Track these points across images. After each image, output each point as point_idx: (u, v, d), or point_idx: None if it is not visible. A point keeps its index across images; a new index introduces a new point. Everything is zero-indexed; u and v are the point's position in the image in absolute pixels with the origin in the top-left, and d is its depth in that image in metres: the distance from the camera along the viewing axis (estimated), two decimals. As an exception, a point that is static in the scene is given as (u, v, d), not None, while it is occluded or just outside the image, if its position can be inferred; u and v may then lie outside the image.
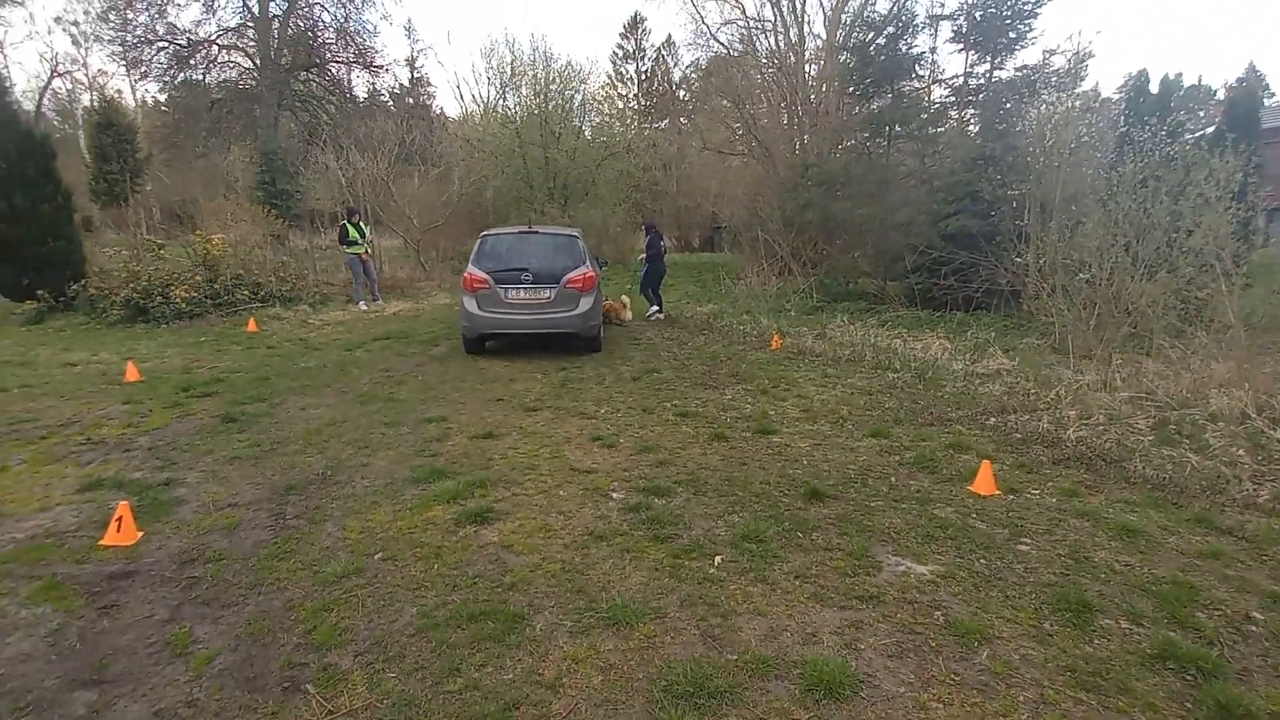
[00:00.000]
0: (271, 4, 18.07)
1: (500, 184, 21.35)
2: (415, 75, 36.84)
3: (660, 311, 11.05)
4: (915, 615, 2.57)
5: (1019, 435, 4.86)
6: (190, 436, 4.73)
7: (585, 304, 7.84)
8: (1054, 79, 11.01)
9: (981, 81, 12.03)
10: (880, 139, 12.46)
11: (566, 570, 2.89)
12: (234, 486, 3.84)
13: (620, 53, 56.97)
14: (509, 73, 25.21)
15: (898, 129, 12.20)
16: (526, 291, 7.72)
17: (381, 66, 20.13)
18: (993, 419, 5.22)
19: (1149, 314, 6.64)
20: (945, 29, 12.24)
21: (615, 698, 2.10)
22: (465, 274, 7.88)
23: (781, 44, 23.54)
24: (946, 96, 13.44)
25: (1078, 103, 9.49)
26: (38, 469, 4.03)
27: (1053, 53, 10.85)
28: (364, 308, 11.65)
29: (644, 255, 11.17)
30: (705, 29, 24.57)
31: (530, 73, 24.89)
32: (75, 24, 27.85)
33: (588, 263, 8.09)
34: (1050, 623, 2.53)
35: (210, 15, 17.24)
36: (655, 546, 3.12)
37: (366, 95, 20.70)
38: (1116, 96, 21.43)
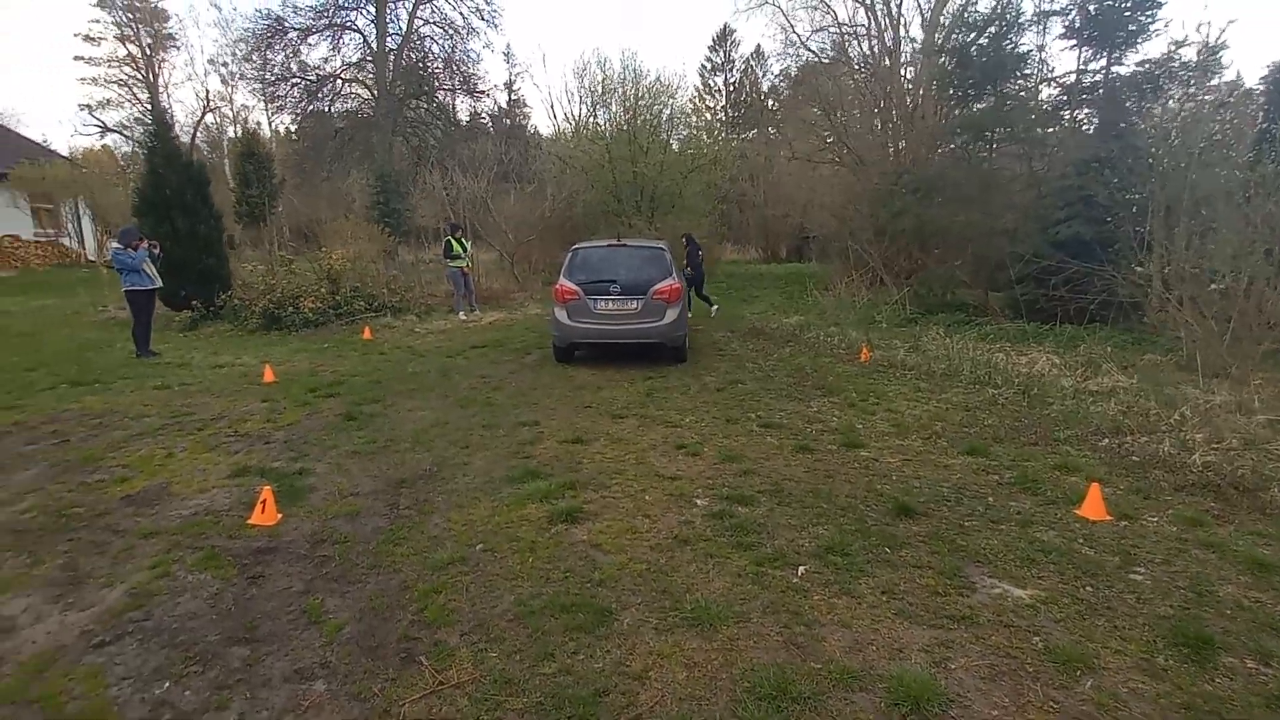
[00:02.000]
0: (388, 39, 19.73)
1: (589, 198, 22.00)
2: (512, 98, 38.72)
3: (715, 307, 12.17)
4: (1011, 639, 2.49)
5: (1135, 458, 4.52)
6: (318, 432, 5.27)
7: (671, 314, 8.00)
8: (1181, 74, 10.09)
9: (1097, 79, 11.21)
10: (982, 142, 11.85)
11: (652, 570, 3.02)
12: (354, 478, 4.26)
13: (709, 65, 57.22)
14: (600, 90, 26.03)
15: (1001, 132, 11.56)
16: (615, 302, 7.98)
17: (483, 92, 21.48)
18: (1105, 440, 4.88)
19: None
20: (1055, 25, 11.52)
21: (699, 694, 2.19)
22: (556, 285, 8.25)
23: (875, 49, 22.93)
24: (1057, 96, 12.59)
25: (1209, 97, 8.66)
26: (196, 456, 4.64)
27: (1180, 44, 9.94)
28: (463, 318, 12.38)
29: (686, 265, 12.21)
30: (795, 37, 24.30)
31: (619, 89, 25.57)
32: (225, 65, 31.56)
33: (674, 274, 8.25)
34: (1164, 657, 2.38)
35: (336, 53, 19.12)
36: (738, 553, 3.19)
37: (469, 119, 22.19)
38: (1259, 88, 19.18)
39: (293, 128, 30.32)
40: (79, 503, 3.76)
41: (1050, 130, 11.49)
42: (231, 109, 29.80)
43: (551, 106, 35.05)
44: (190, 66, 52.95)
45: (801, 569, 3.01)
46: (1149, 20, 10.64)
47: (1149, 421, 5.11)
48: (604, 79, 25.58)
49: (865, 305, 12.41)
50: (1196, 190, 7.82)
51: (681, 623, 2.58)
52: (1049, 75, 13.00)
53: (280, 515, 3.60)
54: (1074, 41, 11.48)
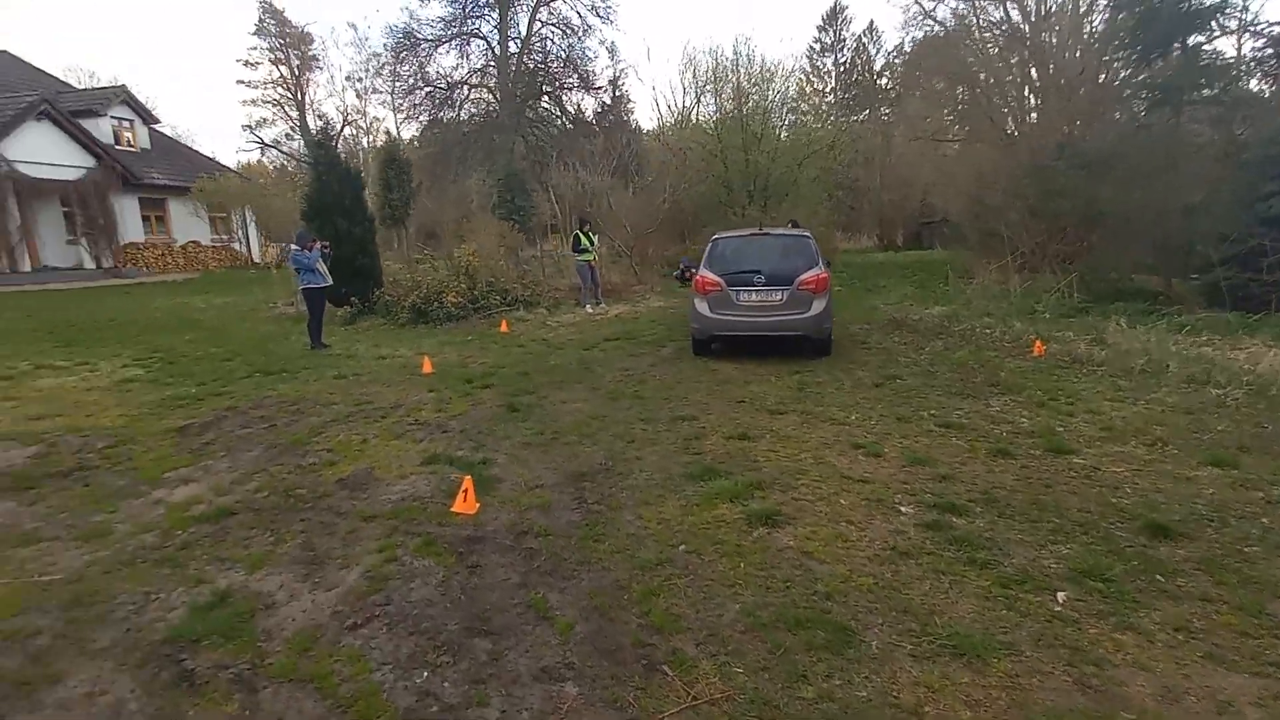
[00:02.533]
0: (510, 44, 20.50)
1: (702, 189, 21.72)
2: (616, 94, 39.07)
3: None
4: (1370, 700, 2.02)
5: None
6: (487, 422, 5.44)
7: (818, 306, 7.61)
8: None
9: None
10: (1164, 108, 10.37)
11: (880, 586, 2.77)
12: (534, 470, 4.31)
13: (817, 46, 54.87)
14: (710, 78, 25.67)
15: (1190, 94, 10.06)
16: (759, 293, 7.70)
17: (600, 87, 21.76)
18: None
19: None
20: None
21: (989, 736, 1.94)
22: (697, 276, 8.09)
23: (1014, 13, 20.78)
24: (1261, 49, 10.79)
25: None
26: (387, 443, 4.91)
27: None
28: (590, 311, 12.56)
29: None
30: (919, 6, 22.61)
31: (732, 77, 25.07)
32: (359, 80, 34.22)
33: (820, 263, 7.84)
34: None
35: (465, 60, 20.13)
36: (974, 572, 2.87)
37: (584, 115, 22.69)
38: None
39: (418, 135, 32.59)
40: (300, 484, 4.05)
41: (1258, 91, 9.85)
42: (365, 121, 32.53)
43: (655, 101, 35.04)
44: (331, 84, 58.06)
45: (1062, 595, 2.64)
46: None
47: None
48: (716, 66, 25.12)
49: (1020, 294, 11.32)
50: None
51: (940, 650, 2.32)
52: (1253, 25, 11.16)
53: (479, 504, 3.68)
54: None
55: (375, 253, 12.26)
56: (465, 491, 3.64)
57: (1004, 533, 3.23)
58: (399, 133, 33.59)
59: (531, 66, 20.30)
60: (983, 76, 16.28)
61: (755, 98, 24.37)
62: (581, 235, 12.36)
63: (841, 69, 54.35)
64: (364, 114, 37.83)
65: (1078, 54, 16.13)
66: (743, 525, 3.39)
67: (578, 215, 12.92)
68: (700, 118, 24.99)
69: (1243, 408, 5.20)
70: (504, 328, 10.86)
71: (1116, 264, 10.43)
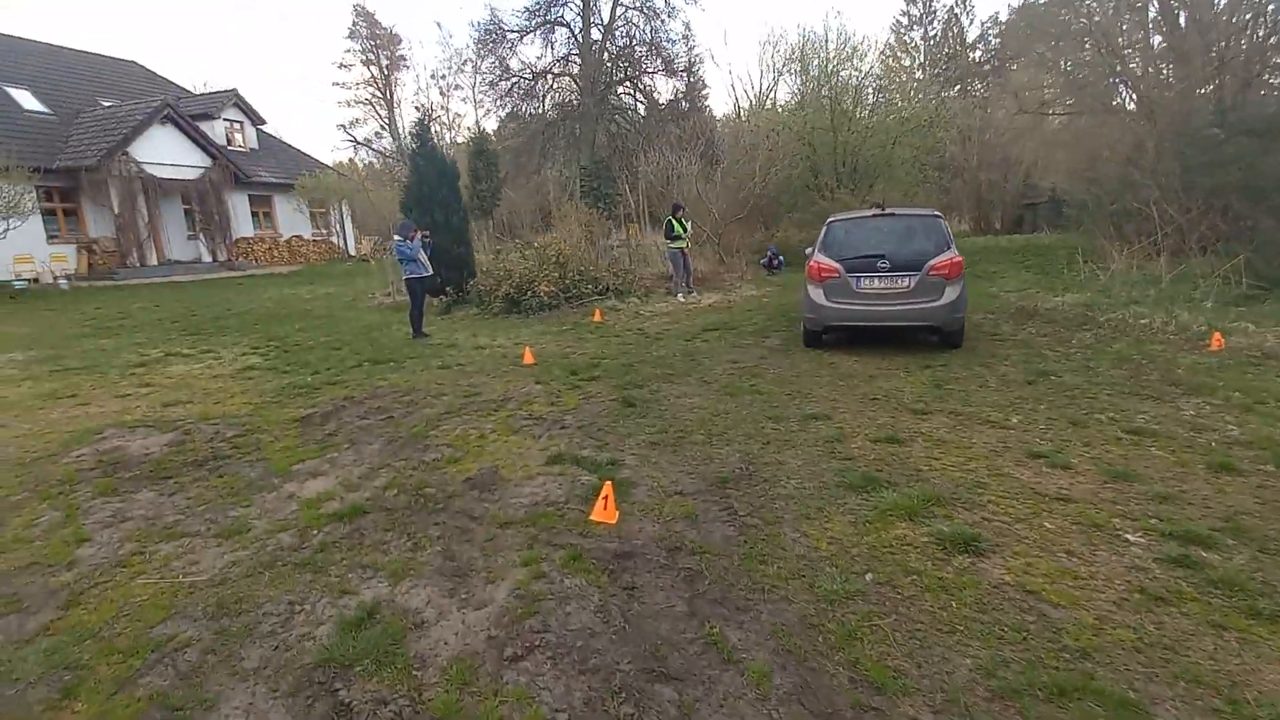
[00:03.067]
0: (593, 30, 20.24)
1: (787, 174, 20.82)
2: (691, 80, 38.23)
3: None
4: None
5: None
6: (604, 418, 5.13)
7: (951, 293, 6.88)
8: None
9: None
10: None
11: (1147, 642, 2.22)
12: (669, 474, 3.95)
13: (905, 19, 51.81)
14: (797, 55, 24.54)
15: None
16: (882, 280, 7.04)
17: (683, 71, 21.11)
18: None
19: None
20: None
21: None
22: (811, 263, 7.50)
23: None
24: None
25: None
26: (505, 439, 4.68)
27: None
28: (682, 300, 12.14)
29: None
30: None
31: (818, 54, 23.86)
32: (443, 77, 35.03)
33: (953, 246, 7.07)
34: None
35: (550, 49, 19.98)
36: (1263, 628, 2.25)
37: (665, 100, 22.23)
38: None
39: (498, 128, 33.05)
40: (427, 482, 3.86)
41: None
42: (448, 115, 33.29)
43: (733, 85, 33.82)
44: (417, 82, 60.06)
45: None
46: None
47: None
48: (803, 43, 24.04)
49: (1170, 280, 9.98)
50: None
51: (1278, 746, 1.76)
52: None
53: (618, 513, 3.35)
54: None
55: (470, 243, 12.30)
56: (605, 499, 3.31)
57: (1276, 573, 2.57)
58: (479, 127, 34.35)
59: (615, 52, 19.95)
60: (1107, 37, 14.52)
61: (843, 74, 23.15)
62: (675, 222, 11.92)
63: (931, 42, 51.13)
64: (446, 109, 38.86)
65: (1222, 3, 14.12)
66: (935, 551, 2.88)
67: (671, 202, 12.49)
68: (781, 99, 24.00)
69: None
70: (598, 317, 10.61)
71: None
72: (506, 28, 21.76)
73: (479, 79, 26.32)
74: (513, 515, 3.38)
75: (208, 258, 22.43)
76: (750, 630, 2.39)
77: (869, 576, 2.72)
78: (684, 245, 12.09)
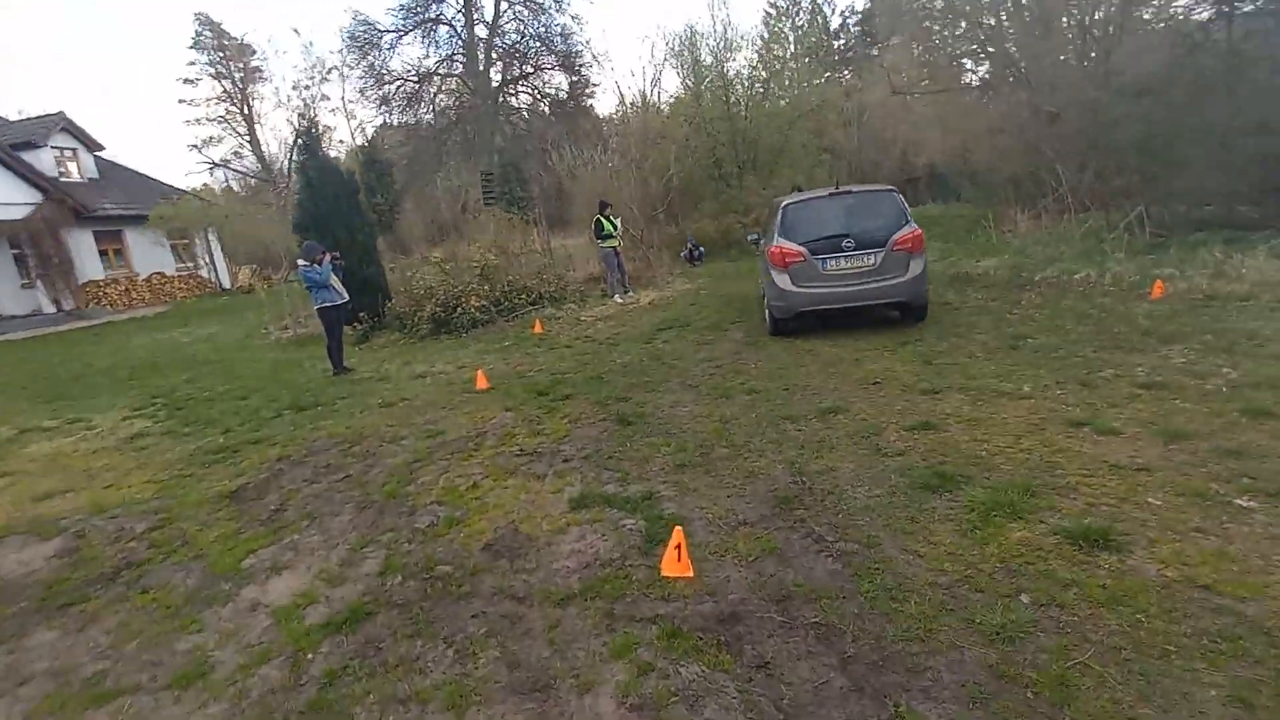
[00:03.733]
0: (479, 27, 19.14)
1: (695, 163, 20.82)
2: (584, 74, 37.67)
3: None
4: None
5: None
6: (606, 442, 4.51)
7: (916, 267, 6.81)
8: None
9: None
10: (1217, 23, 9.71)
11: (1374, 630, 1.95)
12: (716, 500, 3.42)
13: (774, 11, 53.92)
14: (686, 45, 24.76)
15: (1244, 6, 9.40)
16: (848, 260, 6.86)
17: (585, 65, 20.44)
18: None
19: None
20: None
21: None
22: (772, 248, 7.20)
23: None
24: None
25: None
26: (503, 483, 3.96)
27: None
28: (620, 301, 11.60)
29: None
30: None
31: (707, 44, 24.15)
32: (306, 88, 32.19)
33: (911, 220, 7.01)
34: None
35: (433, 49, 18.53)
36: None
37: (565, 97, 21.37)
38: None
39: (375, 135, 30.87)
40: (436, 558, 3.10)
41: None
42: (316, 129, 30.54)
43: (616, 83, 33.43)
44: (277, 95, 55.15)
45: None
46: None
47: None
48: (691, 34, 24.26)
49: (1080, 236, 10.66)
50: None
51: None
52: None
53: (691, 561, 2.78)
54: None
55: (380, 262, 11.12)
56: (678, 549, 2.73)
57: None
58: (354, 138, 31.83)
59: (505, 49, 18.98)
60: (988, 14, 15.48)
61: (732, 63, 23.66)
62: (604, 220, 11.34)
63: (800, 32, 53.55)
64: (314, 123, 35.74)
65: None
66: (1072, 553, 2.55)
67: (599, 199, 11.90)
68: (670, 91, 24.16)
69: None
70: (538, 328, 9.87)
71: (1186, 193, 9.77)
72: (381, 28, 20.14)
73: (357, 84, 24.43)
74: (567, 587, 2.73)
75: (49, 308, 19.25)
76: (939, 698, 1.92)
77: (1025, 598, 2.33)
78: (616, 244, 11.55)
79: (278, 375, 8.64)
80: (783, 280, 7.10)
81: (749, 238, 10.26)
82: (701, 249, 18.28)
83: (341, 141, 34.05)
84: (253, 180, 33.87)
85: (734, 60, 26.08)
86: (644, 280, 14.06)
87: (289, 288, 10.92)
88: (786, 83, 24.67)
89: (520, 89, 18.84)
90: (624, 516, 3.29)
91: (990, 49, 17.38)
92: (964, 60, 20.36)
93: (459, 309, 10.16)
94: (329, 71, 26.63)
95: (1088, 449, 3.53)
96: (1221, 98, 9.57)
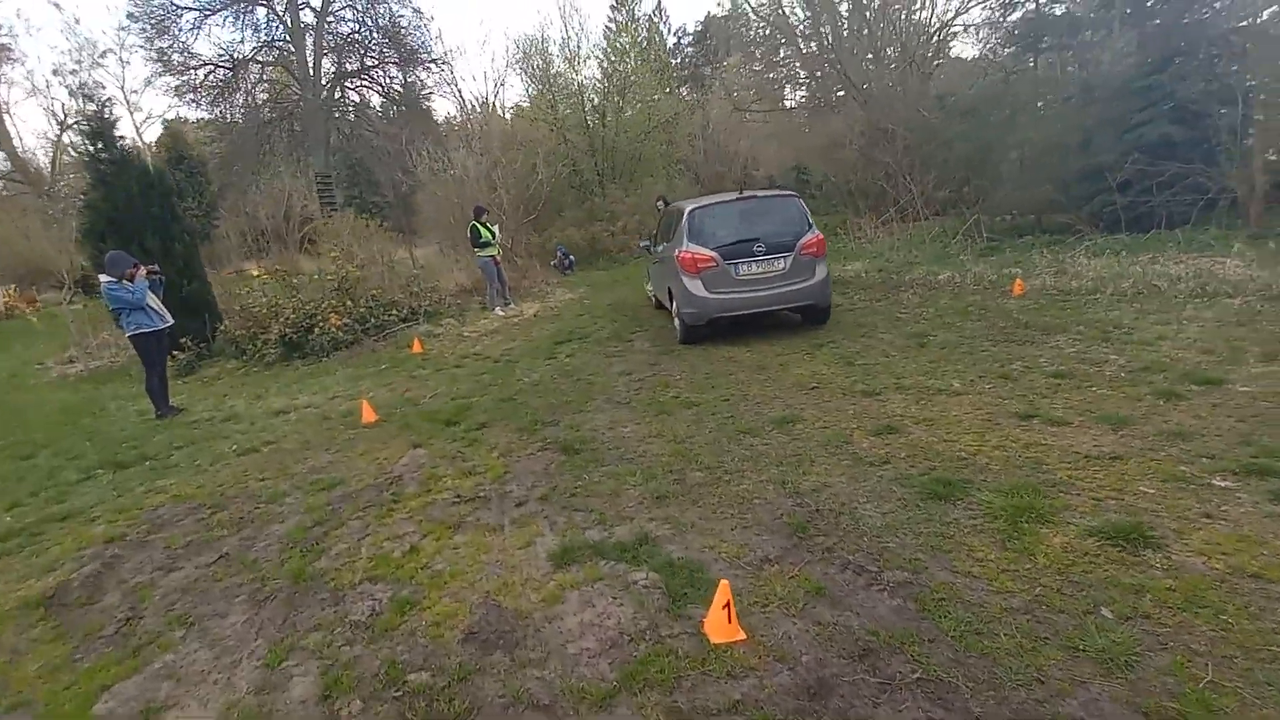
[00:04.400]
0: (303, 12, 16.86)
1: (558, 171, 20.41)
2: (409, 79, 35.43)
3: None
4: None
5: None
6: (559, 477, 3.90)
7: (821, 271, 6.96)
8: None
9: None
10: (1029, 54, 11.30)
11: None
12: (722, 535, 3.01)
13: (614, 26, 55.11)
14: (537, 49, 24.44)
15: (1049, 41, 11.02)
16: (760, 264, 6.82)
17: (433, 61, 18.73)
18: None
19: None
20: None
21: None
22: (682, 254, 6.98)
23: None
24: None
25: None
26: (446, 541, 3.21)
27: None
28: (501, 313, 10.77)
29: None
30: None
31: (565, 50, 24.02)
32: (74, 72, 26.52)
33: (813, 225, 7.17)
34: None
35: (250, 33, 15.83)
36: None
37: (416, 94, 19.44)
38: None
39: (164, 131, 26.17)
40: (399, 662, 2.33)
41: (1098, 35, 11.01)
42: (107, 114, 25.31)
43: (458, 91, 31.87)
44: (30, 80, 45.23)
45: None
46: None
47: None
48: (543, 40, 24.04)
49: (929, 239, 11.78)
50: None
51: None
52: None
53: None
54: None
55: (204, 275, 9.26)
56: (727, 608, 2.27)
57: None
58: (140, 134, 26.74)
59: (340, 39, 16.81)
60: (829, 37, 16.81)
61: (585, 72, 23.78)
62: (480, 227, 10.44)
63: (639, 48, 55.26)
64: (104, 105, 29.64)
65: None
66: (1117, 554, 2.49)
67: (475, 205, 10.92)
68: (519, 97, 23.71)
69: (1277, 312, 5.45)
70: (418, 348, 8.79)
71: (1010, 202, 11.18)
72: (180, 5, 16.78)
73: (145, 71, 20.46)
74: (600, 678, 2.14)
75: None
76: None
77: (1106, 611, 2.20)
78: (495, 253, 10.70)
79: (74, 422, 6.76)
80: (695, 286, 6.89)
81: (641, 244, 10.02)
82: (572, 258, 17.84)
83: (123, 137, 28.49)
84: (12, 179, 27.38)
85: (586, 69, 26.15)
86: (521, 291, 13.30)
87: (78, 311, 8.66)
88: (637, 96, 25.11)
89: (360, 83, 16.92)
90: (627, 569, 2.76)
91: (817, 73, 18.98)
92: (789, 82, 22.10)
93: (316, 329, 8.74)
94: (102, 55, 22.18)
95: (1052, 441, 3.63)
96: (1030, 119, 11.11)
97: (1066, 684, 1.93)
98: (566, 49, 23.36)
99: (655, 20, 56.97)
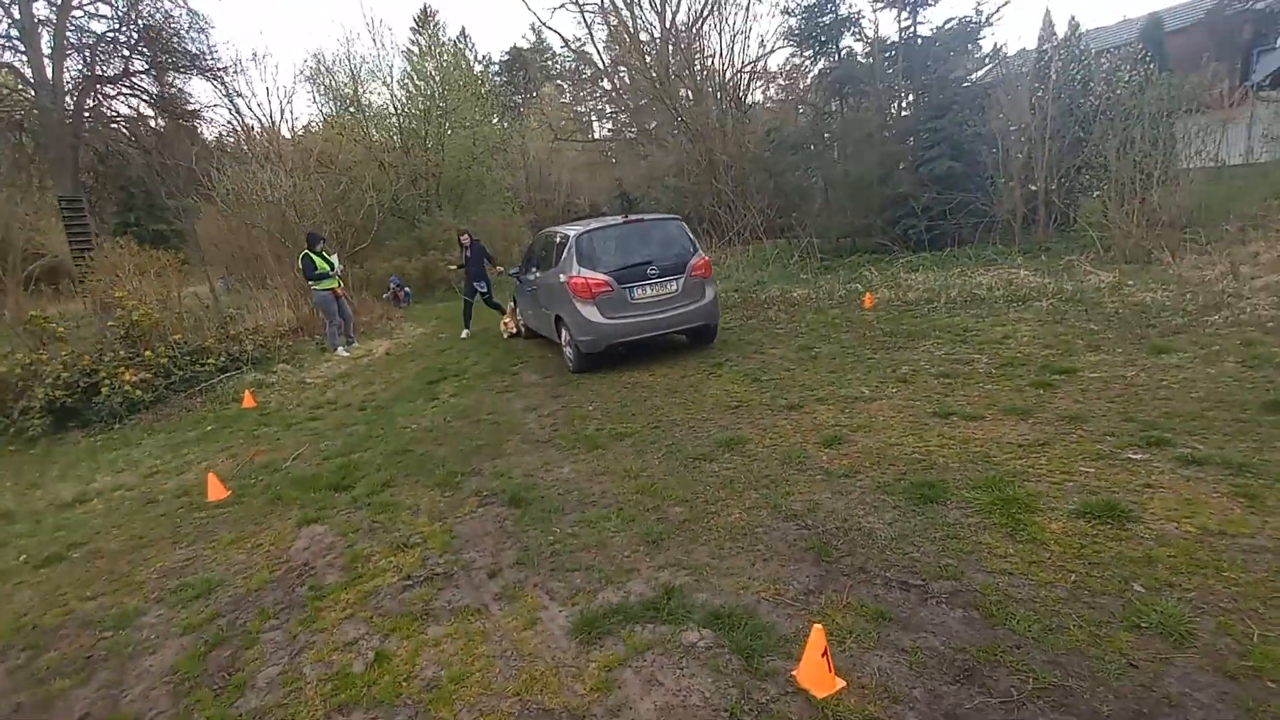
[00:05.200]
0: (36, 4, 13.44)
1: (359, 197, 18.84)
2: (167, 91, 30.62)
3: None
4: None
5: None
6: (523, 535, 3.38)
7: (710, 292, 7.12)
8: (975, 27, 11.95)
9: (909, 36, 12.81)
10: (837, 98, 12.86)
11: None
12: (746, 571, 2.79)
13: (416, 49, 53.08)
14: (342, 64, 22.87)
15: (851, 87, 12.65)
16: (654, 287, 6.78)
17: (223, 69, 15.73)
18: (1219, 314, 5.61)
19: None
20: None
21: None
22: (574, 279, 6.69)
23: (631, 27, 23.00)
24: (882, 52, 13.70)
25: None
26: (422, 637, 2.57)
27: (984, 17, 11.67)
28: (345, 354, 9.47)
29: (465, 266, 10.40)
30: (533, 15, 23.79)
31: (380, 70, 22.59)
32: None
33: (699, 247, 7.32)
34: None
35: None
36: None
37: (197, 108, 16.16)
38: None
39: None
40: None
41: (884, 85, 12.86)
42: None
43: (247, 104, 27.78)
44: None
45: None
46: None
47: (1219, 296, 6.02)
48: (350, 58, 22.47)
49: (771, 261, 12.75)
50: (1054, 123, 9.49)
51: None
52: (866, 34, 14.31)
53: (837, 679, 2.13)
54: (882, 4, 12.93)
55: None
56: (825, 655, 2.05)
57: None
58: None
59: (96, 37, 13.35)
60: (655, 74, 17.71)
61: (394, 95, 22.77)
62: (315, 257, 9.10)
63: (446, 72, 53.79)
64: None
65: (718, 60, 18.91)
66: (1113, 532, 2.72)
67: (308, 233, 9.41)
68: (323, 115, 22.04)
69: (1077, 310, 6.64)
70: (249, 402, 7.35)
71: (833, 226, 12.54)
72: None
73: None
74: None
75: None
76: (1240, 729, 1.76)
77: (1138, 586, 2.38)
78: (334, 285, 9.39)
79: None
80: (590, 312, 6.64)
81: (509, 272, 9.46)
82: (408, 289, 16.49)
83: None
84: None
85: (401, 90, 24.91)
86: (361, 328, 11.89)
87: None
88: (459, 120, 24.24)
89: (121, 91, 13.68)
90: (673, 631, 2.42)
91: (632, 106, 19.95)
92: (598, 115, 22.99)
93: (104, 389, 6.88)
94: None
95: (981, 434, 3.97)
96: (843, 155, 12.63)
97: (1155, 664, 2.02)
98: (380, 69, 21.89)
99: (461, 46, 56.01)
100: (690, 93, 18.41)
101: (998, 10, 11.92)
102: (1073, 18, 12.59)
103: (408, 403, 6.77)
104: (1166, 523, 2.75)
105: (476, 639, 2.53)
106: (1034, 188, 9.71)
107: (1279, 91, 10.32)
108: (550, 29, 48.56)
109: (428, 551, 3.33)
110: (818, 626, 2.10)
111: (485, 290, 10.33)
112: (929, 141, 11.28)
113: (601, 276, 6.64)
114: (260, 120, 18.48)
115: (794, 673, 2.13)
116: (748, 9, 25.61)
